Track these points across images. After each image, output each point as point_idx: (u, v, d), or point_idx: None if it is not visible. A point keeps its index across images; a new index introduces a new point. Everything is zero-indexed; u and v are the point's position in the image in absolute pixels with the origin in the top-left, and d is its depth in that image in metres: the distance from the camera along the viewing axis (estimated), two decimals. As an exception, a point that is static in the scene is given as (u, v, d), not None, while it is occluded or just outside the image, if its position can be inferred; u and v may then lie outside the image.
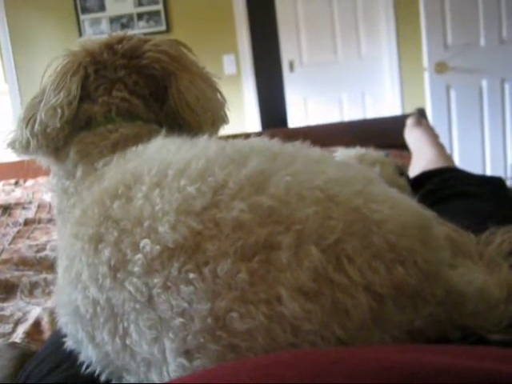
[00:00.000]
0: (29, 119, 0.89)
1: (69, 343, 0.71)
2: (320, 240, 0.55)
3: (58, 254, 0.74)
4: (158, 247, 0.58)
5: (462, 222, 0.79)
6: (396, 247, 0.57)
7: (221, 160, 0.63)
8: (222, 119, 0.97)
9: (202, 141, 0.72)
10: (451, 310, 0.59)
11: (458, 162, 4.06)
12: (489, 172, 4.17)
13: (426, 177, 1.29)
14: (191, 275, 0.55)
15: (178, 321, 0.55)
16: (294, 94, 4.43)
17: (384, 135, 2.40)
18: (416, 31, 4.09)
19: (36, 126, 0.87)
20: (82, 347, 0.68)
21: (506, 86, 4.06)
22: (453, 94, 4.10)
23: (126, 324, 0.59)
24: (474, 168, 3.88)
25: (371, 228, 0.57)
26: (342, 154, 1.08)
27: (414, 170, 1.62)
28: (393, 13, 4.17)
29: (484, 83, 4.07)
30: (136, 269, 0.58)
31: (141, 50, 0.92)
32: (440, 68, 4.02)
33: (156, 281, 0.57)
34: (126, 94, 0.90)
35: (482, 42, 3.98)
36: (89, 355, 0.66)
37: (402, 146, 2.08)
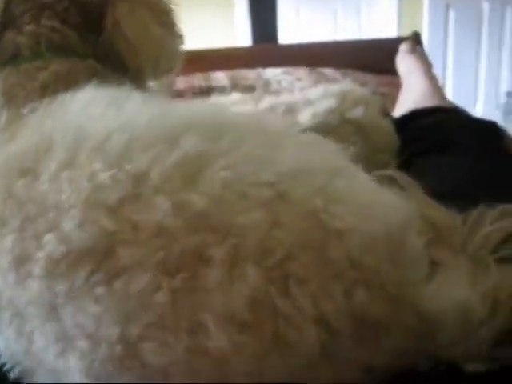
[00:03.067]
0: None
1: None
2: (262, 256, 0.44)
3: None
4: (62, 247, 0.47)
5: (452, 186, 0.70)
6: (359, 266, 0.46)
7: (148, 137, 0.51)
8: (168, 64, 0.82)
9: (134, 104, 0.59)
10: (423, 340, 0.49)
11: (451, 85, 3.98)
12: (480, 98, 4.08)
13: (414, 116, 1.20)
14: (99, 289, 0.45)
15: (84, 343, 0.45)
16: (288, 4, 4.22)
17: (377, 58, 2.28)
18: None
19: None
20: None
21: (508, 10, 3.91)
22: (452, 14, 3.94)
23: (30, 328, 0.49)
24: (465, 93, 3.83)
25: (330, 240, 0.46)
26: (324, 89, 0.99)
27: (402, 103, 1.54)
28: None
29: (485, 6, 3.91)
30: (38, 268, 0.48)
31: None
32: (441, -15, 3.85)
33: (60, 288, 0.46)
34: (56, 23, 0.76)
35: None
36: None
37: (395, 71, 1.98)
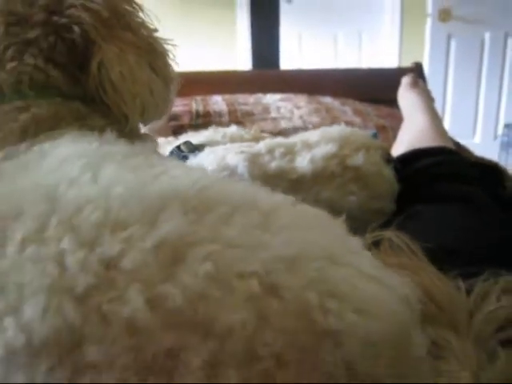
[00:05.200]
0: None
1: None
2: (246, 362, 0.39)
3: None
4: (21, 336, 0.41)
5: (452, 241, 0.67)
6: (357, 374, 0.41)
7: (122, 214, 0.46)
8: (157, 110, 0.77)
9: (112, 168, 0.54)
10: None
11: (450, 116, 3.98)
12: (479, 130, 4.08)
13: (414, 156, 1.17)
14: None
15: None
16: (290, 27, 4.22)
17: (377, 88, 2.27)
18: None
19: None
20: None
21: (509, 42, 3.93)
22: (453, 44, 3.97)
23: None
24: (464, 124, 3.82)
25: (324, 344, 0.41)
26: (323, 132, 0.95)
27: (402, 138, 1.51)
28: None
29: (487, 36, 3.93)
30: None
31: (65, 5, 0.72)
32: (443, 15, 3.86)
33: (17, 378, 0.40)
34: (40, 61, 0.71)
35: (491, -8, 3.81)
36: None
37: (395, 101, 1.96)
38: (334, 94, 2.20)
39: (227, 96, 2.09)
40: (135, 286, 0.41)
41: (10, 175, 0.55)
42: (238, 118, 1.90)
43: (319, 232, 0.52)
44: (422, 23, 3.95)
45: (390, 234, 0.64)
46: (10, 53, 0.71)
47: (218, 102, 2.02)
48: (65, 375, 0.40)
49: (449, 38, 3.95)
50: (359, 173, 0.91)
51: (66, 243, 0.44)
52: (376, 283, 0.47)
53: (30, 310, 0.41)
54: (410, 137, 1.46)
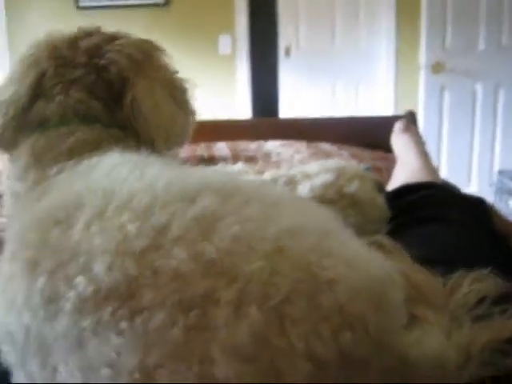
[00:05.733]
0: None
1: (4, 360, 0.66)
2: (263, 300, 0.51)
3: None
4: (91, 287, 0.53)
5: (434, 253, 0.76)
6: (346, 311, 0.52)
7: (167, 196, 0.59)
8: (178, 138, 0.91)
9: (155, 169, 0.67)
10: (402, 380, 0.55)
11: (445, 165, 4.08)
12: (474, 177, 4.17)
13: (406, 190, 1.26)
14: (123, 324, 0.51)
15: (106, 371, 0.51)
16: (288, 79, 4.37)
17: (373, 135, 2.37)
18: (416, 28, 4.05)
19: None
20: (14, 370, 0.63)
21: (500, 92, 4.06)
22: (447, 95, 4.09)
23: (55, 360, 0.55)
24: (459, 172, 3.92)
25: (320, 288, 0.53)
26: (321, 165, 1.05)
27: (396, 178, 1.60)
28: (394, 7, 4.11)
29: (478, 87, 4.07)
30: (68, 306, 0.54)
31: (103, 49, 0.87)
32: (436, 68, 4.01)
33: (86, 323, 0.53)
34: (83, 95, 0.85)
35: (481, 45, 3.97)
36: (20, 381, 0.62)
37: (390, 148, 2.06)
38: (332, 140, 2.31)
39: (230, 142, 2.20)
40: (179, 245, 0.54)
41: (67, 182, 0.68)
42: (241, 162, 1.99)
43: (316, 214, 0.66)
44: (416, 74, 4.10)
45: (379, 237, 0.75)
46: (57, 89, 0.85)
47: (221, 148, 2.13)
48: (125, 315, 0.51)
49: (442, 89, 4.08)
50: (354, 199, 1.00)
51: (124, 218, 0.57)
52: (362, 251, 0.61)
53: (98, 267, 0.54)
54: (403, 176, 1.56)
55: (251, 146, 2.16)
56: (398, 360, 0.55)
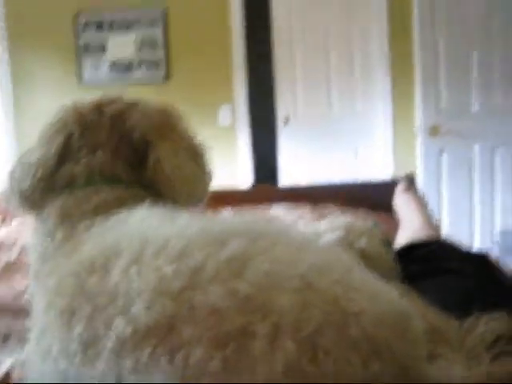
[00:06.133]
0: (13, 173, 0.91)
1: None
2: (296, 331, 0.54)
3: (31, 321, 0.73)
4: (130, 328, 0.56)
5: (445, 301, 0.78)
6: (373, 339, 0.56)
7: (200, 241, 0.63)
8: (199, 196, 0.96)
9: (184, 218, 0.72)
10: None
11: (447, 225, 4.08)
12: (477, 237, 4.19)
13: (412, 248, 1.29)
14: (162, 360, 0.54)
15: None
16: (288, 146, 4.44)
17: (374, 199, 2.40)
18: (410, 93, 4.16)
19: (13, 183, 0.87)
20: None
21: (497, 153, 4.12)
22: (445, 157, 4.15)
23: None
24: (461, 232, 3.93)
25: (349, 319, 0.56)
26: (330, 223, 1.08)
27: (400, 237, 1.63)
28: (389, 74, 4.23)
29: (476, 148, 4.12)
30: (107, 348, 0.57)
31: (126, 114, 0.93)
32: (433, 131, 4.08)
33: (126, 362, 0.56)
34: (108, 157, 0.90)
35: (475, 108, 4.06)
36: None
37: (391, 210, 2.09)
38: (334, 205, 2.34)
39: (235, 208, 2.23)
40: (215, 283, 0.57)
41: (98, 235, 0.71)
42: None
43: (337, 254, 0.71)
44: (413, 138, 4.18)
45: (393, 284, 0.77)
46: (83, 151, 0.90)
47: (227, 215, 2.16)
48: (165, 351, 0.54)
49: (440, 151, 4.14)
50: (364, 254, 1.02)
51: (160, 261, 0.60)
52: (383, 287, 0.64)
53: (136, 308, 0.57)
54: (407, 234, 1.59)
55: (255, 212, 2.20)
56: None
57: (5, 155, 4.27)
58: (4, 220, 2.74)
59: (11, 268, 2.05)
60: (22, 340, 1.44)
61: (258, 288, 0.57)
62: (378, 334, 0.56)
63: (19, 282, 1.88)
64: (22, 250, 2.22)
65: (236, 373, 0.53)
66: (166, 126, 0.94)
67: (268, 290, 0.57)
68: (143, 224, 0.71)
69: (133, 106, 0.95)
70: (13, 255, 2.19)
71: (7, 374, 1.21)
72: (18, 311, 1.62)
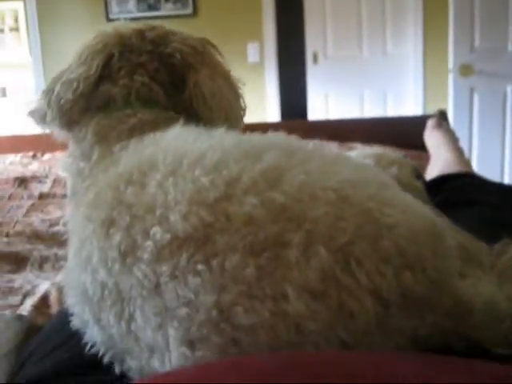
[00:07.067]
0: (48, 91, 0.91)
1: (75, 323, 0.72)
2: (330, 241, 0.55)
3: (69, 236, 0.75)
4: (168, 236, 0.58)
5: (476, 231, 0.78)
6: (405, 253, 0.56)
7: (236, 153, 0.63)
8: (236, 120, 0.96)
9: (219, 133, 0.73)
10: (457, 321, 0.58)
11: (477, 167, 4.04)
12: (507, 179, 4.14)
13: (443, 180, 1.28)
14: (199, 266, 0.55)
15: (183, 311, 0.55)
16: (316, 86, 4.40)
17: (404, 135, 2.38)
18: (443, 32, 4.04)
19: (52, 97, 0.89)
20: (87, 328, 0.68)
21: (531, 93, 4.03)
22: (476, 97, 4.06)
23: (132, 309, 0.59)
24: (491, 174, 3.89)
25: (382, 232, 0.56)
26: (360, 152, 1.08)
27: (431, 173, 1.62)
28: (421, 12, 4.13)
29: (509, 89, 4.02)
30: (145, 255, 0.59)
31: (168, 39, 0.94)
32: (465, 70, 3.98)
33: (164, 269, 0.57)
34: (146, 79, 0.91)
35: (510, 46, 3.94)
36: (94, 336, 0.67)
37: (422, 147, 2.07)
38: (362, 141, 2.33)
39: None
40: (250, 194, 0.58)
41: (135, 151, 0.73)
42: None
43: (374, 170, 0.73)
44: (445, 79, 4.10)
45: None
46: (122, 72, 0.91)
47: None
48: (201, 258, 0.56)
49: (471, 91, 4.06)
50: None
51: (197, 173, 0.61)
52: (416, 202, 0.64)
53: (175, 216, 0.58)
54: (438, 169, 1.57)
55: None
56: (453, 300, 0.58)
57: (33, 94, 4.30)
58: (35, 156, 2.78)
59: (45, 199, 2.09)
60: (56, 266, 1.49)
61: (293, 198, 0.57)
62: (410, 247, 0.56)
63: (53, 212, 1.93)
64: (55, 183, 2.26)
65: (271, 279, 0.54)
66: (206, 53, 0.95)
67: (303, 201, 0.57)
68: (179, 139, 0.72)
69: (174, 33, 0.96)
70: (46, 187, 2.23)
71: (44, 296, 1.26)
72: (52, 239, 1.66)
